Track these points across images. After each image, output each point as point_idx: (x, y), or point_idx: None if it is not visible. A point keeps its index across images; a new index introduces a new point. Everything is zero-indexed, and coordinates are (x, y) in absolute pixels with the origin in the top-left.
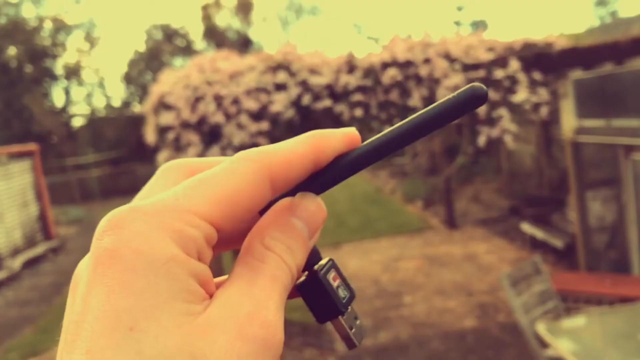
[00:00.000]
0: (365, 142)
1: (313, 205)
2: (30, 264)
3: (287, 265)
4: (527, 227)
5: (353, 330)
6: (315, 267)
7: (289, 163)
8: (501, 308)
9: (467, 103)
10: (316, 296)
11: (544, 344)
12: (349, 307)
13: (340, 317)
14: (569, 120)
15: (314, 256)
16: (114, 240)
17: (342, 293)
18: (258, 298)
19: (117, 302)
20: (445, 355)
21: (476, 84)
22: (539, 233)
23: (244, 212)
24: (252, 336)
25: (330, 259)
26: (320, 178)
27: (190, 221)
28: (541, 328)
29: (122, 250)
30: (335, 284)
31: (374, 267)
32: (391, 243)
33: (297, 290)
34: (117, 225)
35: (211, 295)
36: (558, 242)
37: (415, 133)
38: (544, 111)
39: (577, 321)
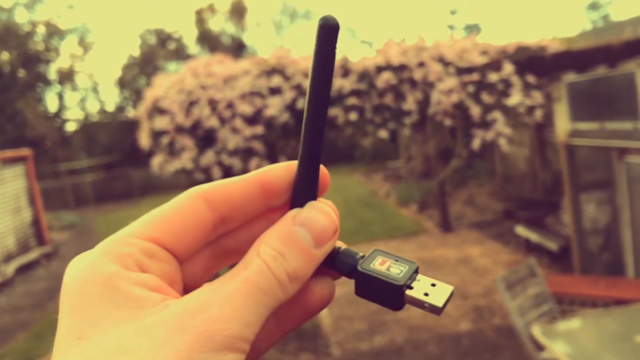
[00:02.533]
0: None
1: (317, 214)
2: (24, 269)
3: (271, 271)
4: (521, 230)
5: (429, 296)
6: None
7: (225, 184)
8: (496, 311)
9: (326, 36)
10: (372, 289)
11: (539, 347)
12: (415, 279)
13: (406, 291)
14: (562, 123)
15: (351, 260)
16: (68, 276)
17: (397, 270)
18: (214, 298)
19: (69, 321)
20: (441, 359)
21: (325, 15)
22: (533, 236)
23: (180, 225)
24: (192, 327)
25: (373, 250)
26: (304, 184)
27: (126, 242)
28: (537, 331)
29: (74, 281)
30: (384, 267)
31: None
32: (386, 246)
33: (359, 296)
34: (73, 264)
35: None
36: (552, 245)
37: (319, 96)
38: (538, 114)
39: (572, 324)
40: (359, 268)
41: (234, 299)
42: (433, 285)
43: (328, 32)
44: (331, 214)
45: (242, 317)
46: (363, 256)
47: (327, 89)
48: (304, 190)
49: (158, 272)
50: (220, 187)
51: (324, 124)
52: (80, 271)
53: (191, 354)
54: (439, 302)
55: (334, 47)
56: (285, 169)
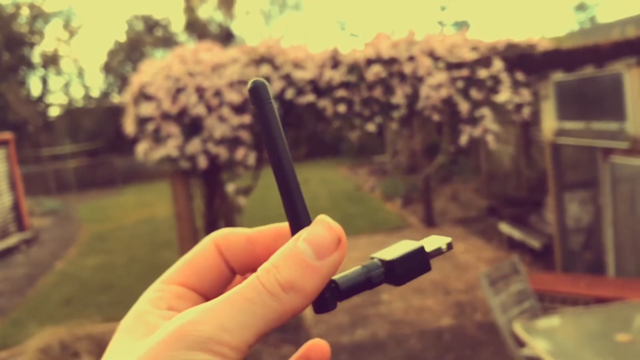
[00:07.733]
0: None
1: (319, 227)
2: (3, 255)
3: (261, 282)
4: (504, 227)
5: (437, 242)
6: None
7: (227, 232)
8: (478, 307)
9: (260, 93)
10: (405, 269)
11: (520, 343)
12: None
13: (425, 251)
14: (549, 122)
15: (379, 268)
16: (121, 323)
17: (406, 245)
18: (201, 307)
19: (110, 351)
20: (422, 353)
21: (254, 79)
22: (516, 233)
23: (199, 269)
24: (169, 330)
25: (370, 257)
26: (297, 212)
27: (159, 288)
28: (518, 327)
29: (122, 324)
30: (396, 251)
31: (352, 264)
32: (370, 240)
33: (401, 285)
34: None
35: None
36: (535, 243)
37: (277, 143)
38: (526, 112)
39: (553, 321)
40: (391, 263)
41: (218, 307)
42: (429, 239)
43: (260, 89)
44: (333, 226)
45: (220, 322)
46: (380, 261)
47: (279, 134)
48: (299, 215)
49: (184, 308)
50: (223, 235)
51: (289, 158)
52: (127, 316)
53: (162, 352)
54: (447, 240)
55: (270, 99)
56: (239, 235)
